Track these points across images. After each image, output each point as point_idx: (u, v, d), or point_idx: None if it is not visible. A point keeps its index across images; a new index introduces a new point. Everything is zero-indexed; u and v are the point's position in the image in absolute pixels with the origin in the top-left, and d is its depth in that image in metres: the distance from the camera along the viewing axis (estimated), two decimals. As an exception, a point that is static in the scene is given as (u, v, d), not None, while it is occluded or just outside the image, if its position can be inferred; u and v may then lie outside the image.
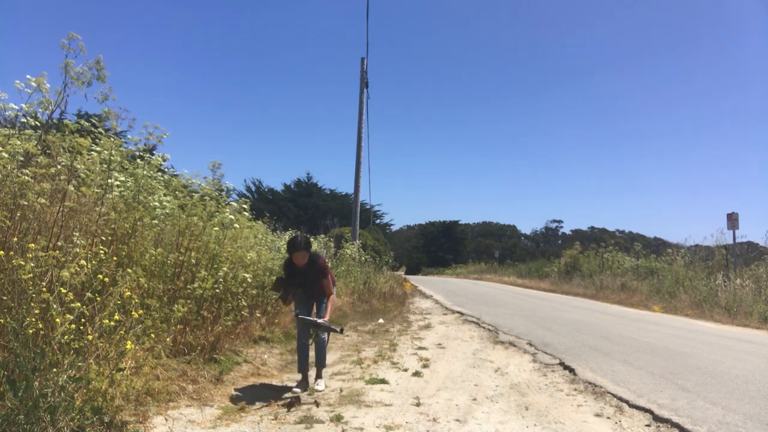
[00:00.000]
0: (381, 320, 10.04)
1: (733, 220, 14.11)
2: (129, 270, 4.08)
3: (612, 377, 5.21)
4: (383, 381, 4.97)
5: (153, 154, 5.53)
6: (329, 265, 7.76)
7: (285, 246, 6.63)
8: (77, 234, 3.76)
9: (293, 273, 4.67)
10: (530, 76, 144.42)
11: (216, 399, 4.12)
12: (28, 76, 3.72)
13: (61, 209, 3.76)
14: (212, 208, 5.84)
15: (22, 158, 3.71)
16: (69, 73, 3.78)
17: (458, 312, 12.00)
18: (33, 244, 3.25)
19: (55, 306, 3.05)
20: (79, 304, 3.10)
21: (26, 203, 3.50)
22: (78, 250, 3.52)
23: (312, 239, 8.10)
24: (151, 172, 5.48)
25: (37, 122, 4.05)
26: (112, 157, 4.61)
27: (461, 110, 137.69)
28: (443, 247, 62.55)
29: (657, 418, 3.89)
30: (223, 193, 6.41)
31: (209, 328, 5.15)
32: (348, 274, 13.16)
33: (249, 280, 6.08)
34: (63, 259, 3.37)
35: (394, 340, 7.66)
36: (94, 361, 3.24)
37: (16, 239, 3.37)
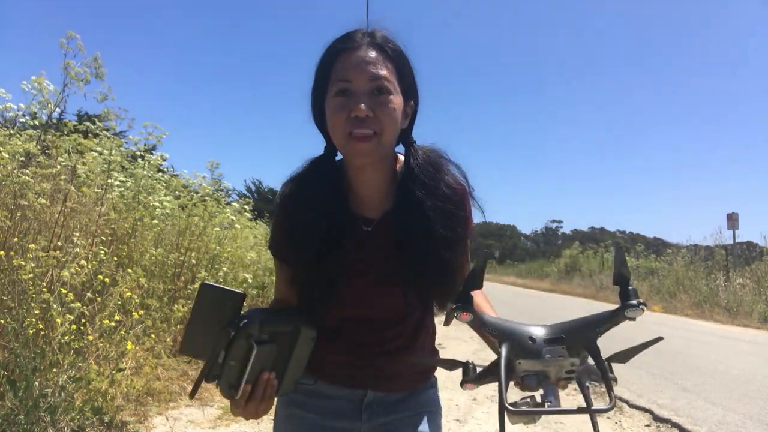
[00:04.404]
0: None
1: (733, 220, 14.13)
2: (129, 270, 4.08)
3: (612, 377, 5.21)
4: (383, 381, 4.96)
5: (153, 154, 5.54)
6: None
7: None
8: (77, 234, 3.76)
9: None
10: (530, 76, 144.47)
11: (216, 399, 4.11)
12: (33, 78, 3.72)
13: (62, 209, 3.76)
14: (213, 209, 5.85)
15: (23, 158, 3.71)
16: (70, 74, 3.78)
17: (458, 312, 11.98)
18: (33, 245, 3.25)
19: (55, 306, 3.04)
20: (79, 305, 3.10)
21: (26, 203, 3.50)
22: (78, 250, 3.51)
23: None
24: (151, 172, 5.48)
25: (36, 122, 4.05)
26: (111, 157, 4.61)
27: (461, 110, 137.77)
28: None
29: (657, 418, 3.89)
30: (223, 194, 6.42)
31: (209, 328, 5.14)
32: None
33: (249, 280, 6.08)
34: (63, 259, 3.37)
35: (394, 340, 7.65)
36: (95, 361, 3.23)
37: (16, 239, 3.37)
